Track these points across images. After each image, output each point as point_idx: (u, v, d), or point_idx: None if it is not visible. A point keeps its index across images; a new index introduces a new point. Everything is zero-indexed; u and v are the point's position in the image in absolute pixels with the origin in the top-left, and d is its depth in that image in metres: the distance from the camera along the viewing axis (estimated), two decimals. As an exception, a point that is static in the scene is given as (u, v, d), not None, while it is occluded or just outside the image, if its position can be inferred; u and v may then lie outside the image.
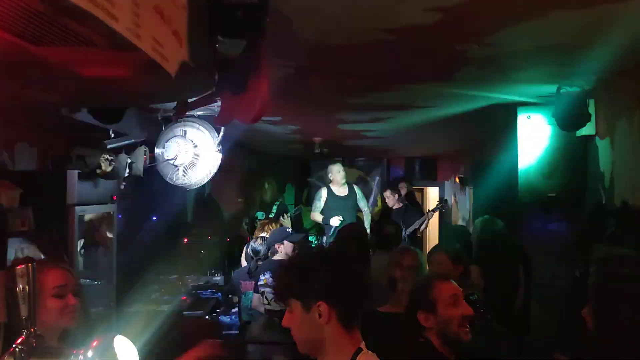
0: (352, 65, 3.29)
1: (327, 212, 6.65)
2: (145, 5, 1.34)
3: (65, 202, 3.36)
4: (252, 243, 4.78)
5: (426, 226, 7.40)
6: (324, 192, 6.78)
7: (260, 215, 7.53)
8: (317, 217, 6.78)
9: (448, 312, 2.19)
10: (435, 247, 3.85)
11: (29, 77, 1.89)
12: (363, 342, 1.65)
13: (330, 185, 6.82)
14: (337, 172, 6.77)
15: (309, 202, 8.05)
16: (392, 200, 7.54)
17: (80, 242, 3.64)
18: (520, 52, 2.90)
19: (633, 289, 1.88)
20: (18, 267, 1.16)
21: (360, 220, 6.66)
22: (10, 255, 2.89)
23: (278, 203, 7.69)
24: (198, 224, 6.24)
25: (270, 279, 4.02)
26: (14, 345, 1.15)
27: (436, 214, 7.80)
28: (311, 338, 1.63)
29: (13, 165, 3.54)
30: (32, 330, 1.17)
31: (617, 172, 3.42)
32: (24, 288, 1.14)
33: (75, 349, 1.14)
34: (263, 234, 4.88)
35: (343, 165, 7.03)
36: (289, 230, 4.88)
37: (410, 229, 7.06)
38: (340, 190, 6.76)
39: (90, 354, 1.12)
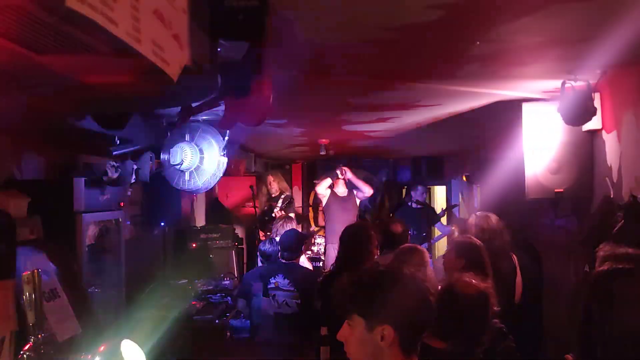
0: (355, 65, 3.29)
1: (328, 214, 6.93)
2: (145, 9, 1.34)
3: (72, 209, 3.37)
4: (260, 246, 4.78)
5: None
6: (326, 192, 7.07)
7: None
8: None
9: None
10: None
11: (33, 85, 1.90)
12: None
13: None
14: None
15: (316, 204, 8.07)
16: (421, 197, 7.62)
17: (89, 249, 3.65)
18: (523, 47, 2.88)
19: (630, 287, 1.86)
20: (24, 273, 1.15)
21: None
22: (19, 263, 2.90)
23: (284, 195, 7.67)
24: (206, 229, 6.26)
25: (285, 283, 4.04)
26: (21, 352, 1.15)
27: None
28: (367, 358, 1.60)
29: (20, 175, 3.56)
30: (39, 336, 1.17)
31: (625, 166, 3.39)
32: (30, 295, 1.14)
33: (82, 354, 1.14)
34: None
35: (350, 166, 7.25)
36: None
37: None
38: (340, 190, 6.99)
39: (97, 359, 1.12)
